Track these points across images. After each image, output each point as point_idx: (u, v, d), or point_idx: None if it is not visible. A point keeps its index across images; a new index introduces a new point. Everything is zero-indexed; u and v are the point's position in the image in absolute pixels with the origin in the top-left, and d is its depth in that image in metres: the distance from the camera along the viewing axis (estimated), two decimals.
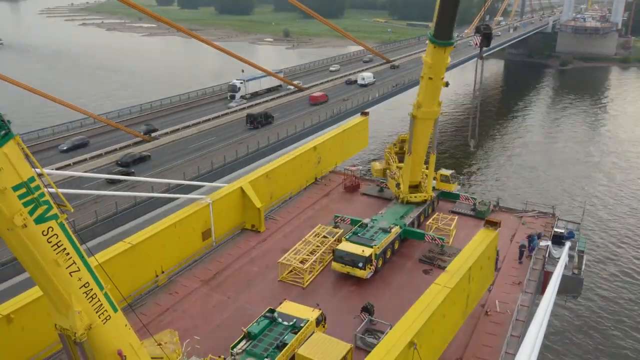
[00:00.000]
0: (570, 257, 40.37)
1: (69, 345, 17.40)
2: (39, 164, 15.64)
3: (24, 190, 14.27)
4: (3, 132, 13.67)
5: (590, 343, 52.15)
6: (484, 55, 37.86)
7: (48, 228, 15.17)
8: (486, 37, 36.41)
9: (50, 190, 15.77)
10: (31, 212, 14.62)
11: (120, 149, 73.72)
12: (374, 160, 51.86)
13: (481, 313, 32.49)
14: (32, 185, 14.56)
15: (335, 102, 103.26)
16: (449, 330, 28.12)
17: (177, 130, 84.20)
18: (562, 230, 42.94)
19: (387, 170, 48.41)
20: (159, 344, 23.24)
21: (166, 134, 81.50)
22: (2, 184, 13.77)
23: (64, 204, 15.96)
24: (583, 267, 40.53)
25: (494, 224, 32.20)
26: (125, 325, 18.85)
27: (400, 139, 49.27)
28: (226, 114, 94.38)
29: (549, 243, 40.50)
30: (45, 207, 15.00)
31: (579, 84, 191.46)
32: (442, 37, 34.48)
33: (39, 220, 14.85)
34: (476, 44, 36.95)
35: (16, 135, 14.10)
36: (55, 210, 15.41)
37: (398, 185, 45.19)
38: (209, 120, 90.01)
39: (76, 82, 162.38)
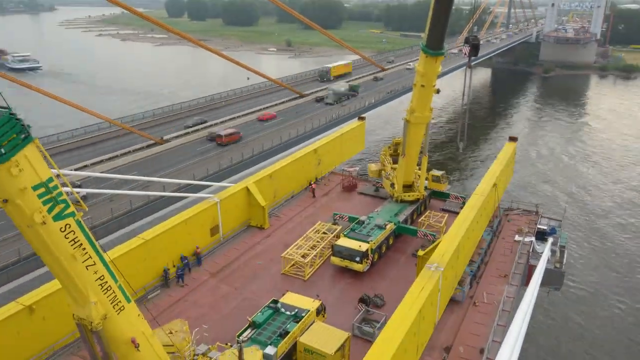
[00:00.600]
0: (553, 251, 40.44)
1: (86, 333, 17.41)
2: (57, 165, 15.66)
3: (42, 189, 14.27)
4: (23, 135, 13.63)
5: (570, 332, 52.18)
6: (473, 64, 37.93)
7: (65, 225, 15.16)
8: (474, 47, 36.42)
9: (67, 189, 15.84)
10: (49, 210, 14.60)
11: (134, 150, 73.69)
12: (370, 161, 51.94)
13: (470, 304, 32.55)
14: (51, 185, 14.54)
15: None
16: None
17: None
18: (545, 227, 43.00)
19: (382, 171, 48.48)
20: (170, 333, 23.25)
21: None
22: (22, 183, 13.74)
23: (80, 203, 15.96)
24: (564, 261, 40.58)
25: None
26: (138, 315, 18.86)
27: (394, 142, 49.33)
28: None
29: (533, 239, 40.58)
30: (63, 205, 14.97)
31: (560, 90, 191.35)
32: (434, 47, 34.65)
33: (57, 217, 14.85)
34: (465, 53, 36.98)
35: (35, 138, 14.09)
36: (72, 209, 15.38)
37: (393, 185, 45.24)
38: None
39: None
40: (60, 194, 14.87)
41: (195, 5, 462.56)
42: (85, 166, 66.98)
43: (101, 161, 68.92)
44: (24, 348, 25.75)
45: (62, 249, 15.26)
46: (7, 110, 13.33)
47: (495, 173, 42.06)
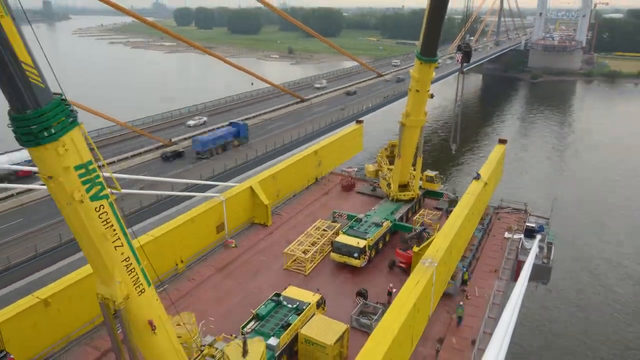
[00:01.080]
0: (540, 248, 40.35)
1: (108, 313, 17.42)
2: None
3: (83, 170, 14.61)
4: (71, 119, 13.93)
5: (557, 324, 52.18)
6: (465, 70, 37.90)
7: (100, 205, 15.37)
8: (466, 54, 36.14)
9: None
10: (88, 190, 14.90)
11: (144, 152, 73.69)
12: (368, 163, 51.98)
13: (462, 298, 32.50)
14: (90, 167, 14.90)
15: None
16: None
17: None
18: (533, 225, 42.92)
19: (379, 172, 48.46)
20: (179, 324, 23.25)
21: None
22: (66, 162, 14.04)
23: (115, 186, 16.22)
24: (552, 256, 40.55)
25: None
26: (157, 299, 18.95)
27: (390, 144, 49.30)
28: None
29: (522, 236, 40.55)
30: (99, 187, 15.31)
31: (548, 95, 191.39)
32: (428, 54, 34.79)
33: (94, 197, 15.11)
34: (458, 60, 36.82)
35: (81, 123, 14.40)
36: (107, 191, 15.66)
37: (389, 185, 45.20)
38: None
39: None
40: (98, 176, 15.21)
41: (202, 14, 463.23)
42: (99, 167, 66.99)
43: (113, 162, 69.02)
44: (40, 339, 25.77)
45: (95, 228, 15.46)
46: (59, 95, 13.65)
47: (485, 173, 42.05)
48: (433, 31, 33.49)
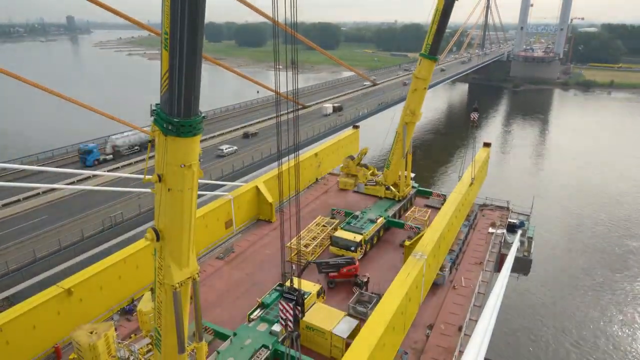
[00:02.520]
0: (522, 242, 40.42)
1: (185, 296, 16.73)
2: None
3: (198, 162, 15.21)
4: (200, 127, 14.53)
5: (536, 310, 52.17)
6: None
7: (193, 194, 15.61)
8: (474, 109, 43.97)
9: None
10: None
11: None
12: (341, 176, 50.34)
13: (449, 287, 32.50)
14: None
15: None
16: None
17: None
18: (515, 221, 42.97)
19: (364, 179, 47.84)
20: (91, 332, 21.64)
21: None
22: (191, 160, 14.62)
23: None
24: (532, 250, 40.55)
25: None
26: None
27: (363, 152, 49.55)
28: None
29: (504, 231, 40.54)
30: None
31: (528, 102, 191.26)
32: (434, 53, 37.85)
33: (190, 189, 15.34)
34: (474, 118, 43.70)
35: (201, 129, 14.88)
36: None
37: (388, 187, 44.90)
38: None
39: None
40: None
41: (211, 28, 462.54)
42: (117, 168, 67.02)
43: (130, 164, 69.04)
44: (63, 326, 25.71)
45: (194, 211, 15.81)
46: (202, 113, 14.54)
47: (471, 174, 42.04)
48: (439, 34, 36.71)
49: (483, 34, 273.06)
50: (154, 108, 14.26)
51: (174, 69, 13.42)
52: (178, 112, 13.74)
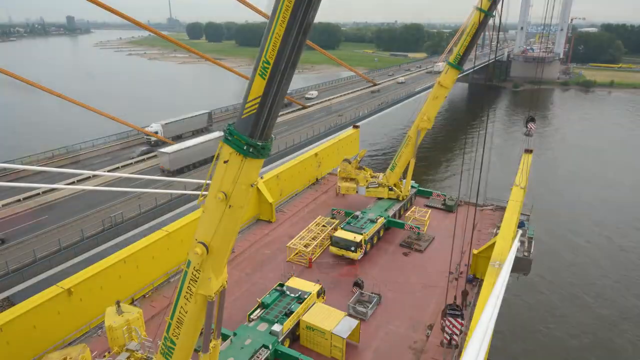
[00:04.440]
0: (522, 242, 40.30)
1: (217, 303, 17.48)
2: (95, 168, 15.46)
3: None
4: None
5: (536, 309, 52.16)
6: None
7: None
8: (532, 119, 46.86)
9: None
10: None
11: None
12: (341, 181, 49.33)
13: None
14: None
15: None
16: None
17: None
18: None
19: (365, 181, 47.44)
20: (65, 358, 20.58)
21: None
22: (256, 179, 15.08)
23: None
24: (532, 250, 40.50)
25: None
26: None
27: (361, 155, 49.21)
28: None
29: None
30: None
31: (528, 102, 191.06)
32: (461, 64, 38.80)
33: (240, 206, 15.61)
34: (530, 128, 46.13)
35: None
36: None
37: (391, 188, 44.77)
38: None
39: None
40: None
41: (212, 28, 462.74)
42: (117, 168, 67.04)
43: (131, 164, 69.04)
44: (63, 325, 25.75)
45: (237, 225, 16.02)
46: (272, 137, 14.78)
47: (522, 181, 42.18)
48: (471, 46, 37.52)
49: (483, 35, 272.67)
50: (226, 129, 14.44)
51: (268, 97, 13.55)
52: (260, 136, 14.03)
